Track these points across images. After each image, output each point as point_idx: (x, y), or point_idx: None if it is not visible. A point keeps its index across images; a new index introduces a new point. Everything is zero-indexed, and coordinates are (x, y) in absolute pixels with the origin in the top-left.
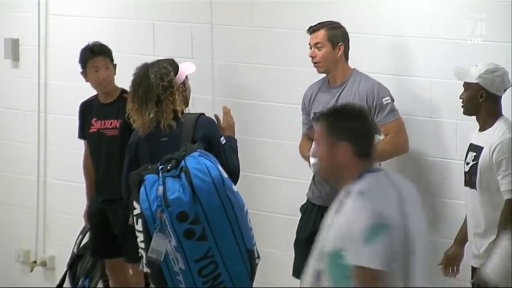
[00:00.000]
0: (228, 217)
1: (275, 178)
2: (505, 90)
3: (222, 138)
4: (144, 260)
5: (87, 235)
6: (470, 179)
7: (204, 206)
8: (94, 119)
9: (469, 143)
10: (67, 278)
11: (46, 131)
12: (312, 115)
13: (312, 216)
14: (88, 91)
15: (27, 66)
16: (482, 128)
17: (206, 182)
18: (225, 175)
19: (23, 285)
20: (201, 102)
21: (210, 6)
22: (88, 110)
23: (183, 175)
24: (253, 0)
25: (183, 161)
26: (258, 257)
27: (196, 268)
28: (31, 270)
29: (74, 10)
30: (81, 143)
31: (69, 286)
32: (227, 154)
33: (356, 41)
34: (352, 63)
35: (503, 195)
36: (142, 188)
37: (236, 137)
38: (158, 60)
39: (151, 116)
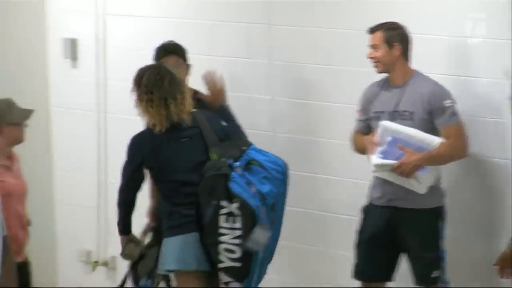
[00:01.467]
0: (285, 203)
1: (336, 179)
2: None
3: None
4: (235, 256)
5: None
6: None
7: (279, 195)
8: None
9: None
10: (128, 278)
11: (106, 130)
12: (371, 114)
13: (373, 216)
14: None
15: (86, 66)
16: None
17: (280, 172)
18: None
19: (85, 285)
20: (259, 102)
21: (268, 6)
22: None
23: (256, 168)
24: (310, 0)
25: (245, 155)
26: None
27: (268, 254)
28: (93, 270)
29: (132, 10)
30: None
31: (131, 286)
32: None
33: (417, 42)
34: (413, 64)
35: None
36: (236, 186)
37: (294, 136)
38: (158, 63)
39: (178, 108)
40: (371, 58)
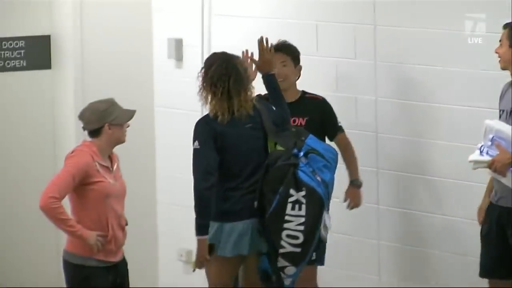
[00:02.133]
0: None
1: (439, 179)
2: None
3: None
4: (297, 242)
5: None
6: None
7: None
8: None
9: None
10: None
11: None
12: (499, 112)
13: (489, 214)
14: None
15: (190, 66)
16: None
17: (334, 161)
18: None
19: (185, 285)
20: (363, 103)
21: (373, 6)
22: None
23: (315, 156)
24: (416, 1)
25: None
26: None
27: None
28: (194, 270)
29: (237, 10)
30: None
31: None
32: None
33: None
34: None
35: None
36: (303, 175)
37: (397, 137)
38: (230, 54)
39: (239, 104)
40: (496, 52)
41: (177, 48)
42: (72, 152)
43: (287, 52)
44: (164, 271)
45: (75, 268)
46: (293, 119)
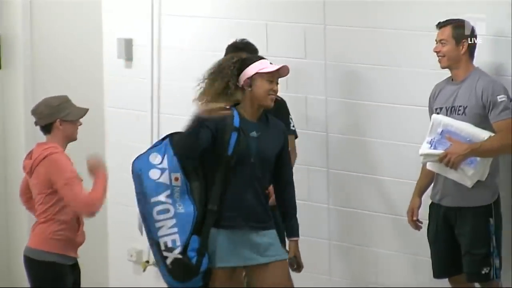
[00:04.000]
0: None
1: (389, 179)
2: None
3: None
4: None
5: None
6: None
7: None
8: None
9: None
10: None
11: (159, 131)
12: (434, 111)
13: (434, 214)
14: None
15: (140, 66)
16: None
17: None
18: None
19: (136, 285)
20: (314, 102)
21: (323, 6)
22: None
23: None
24: (366, 0)
25: None
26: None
27: None
28: (144, 270)
29: (187, 10)
30: None
31: None
32: None
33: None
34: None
35: None
36: None
37: (347, 137)
38: None
39: None
40: (436, 52)
41: (127, 48)
42: (49, 154)
43: (250, 52)
44: (114, 271)
45: (45, 266)
46: None
